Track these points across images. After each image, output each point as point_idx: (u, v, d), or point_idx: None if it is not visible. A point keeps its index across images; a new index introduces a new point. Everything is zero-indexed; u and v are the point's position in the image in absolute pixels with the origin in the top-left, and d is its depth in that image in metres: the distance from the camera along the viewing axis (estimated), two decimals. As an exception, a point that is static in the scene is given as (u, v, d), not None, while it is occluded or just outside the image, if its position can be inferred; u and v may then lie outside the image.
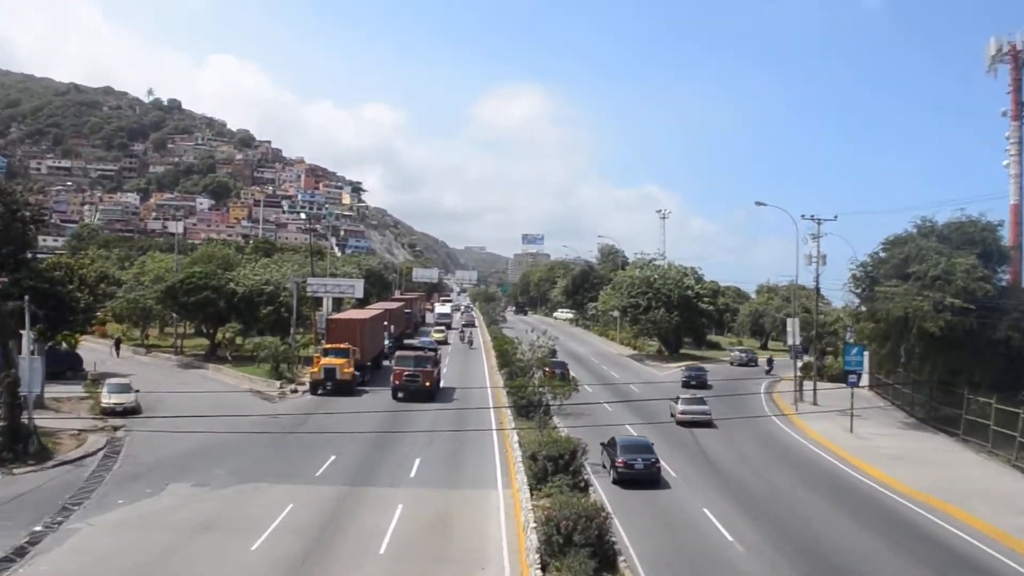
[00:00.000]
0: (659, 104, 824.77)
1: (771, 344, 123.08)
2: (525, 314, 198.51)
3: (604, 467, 41.56)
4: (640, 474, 39.91)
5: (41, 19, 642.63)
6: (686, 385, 72.47)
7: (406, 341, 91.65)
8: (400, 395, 61.96)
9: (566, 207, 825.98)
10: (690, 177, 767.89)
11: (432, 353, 66.76)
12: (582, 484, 36.31)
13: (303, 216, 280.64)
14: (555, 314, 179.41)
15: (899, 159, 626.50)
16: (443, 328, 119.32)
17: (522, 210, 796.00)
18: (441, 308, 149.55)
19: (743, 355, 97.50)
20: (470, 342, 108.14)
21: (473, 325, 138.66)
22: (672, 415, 57.29)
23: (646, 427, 52.45)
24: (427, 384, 62.24)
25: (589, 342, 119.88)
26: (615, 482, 39.75)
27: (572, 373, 70.00)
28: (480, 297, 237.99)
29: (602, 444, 41.84)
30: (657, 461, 40.16)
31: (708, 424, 56.02)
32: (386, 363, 79.21)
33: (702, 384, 73.73)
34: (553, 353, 65.75)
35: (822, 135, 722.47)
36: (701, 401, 57.38)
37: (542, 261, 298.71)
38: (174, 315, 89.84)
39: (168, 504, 35.92)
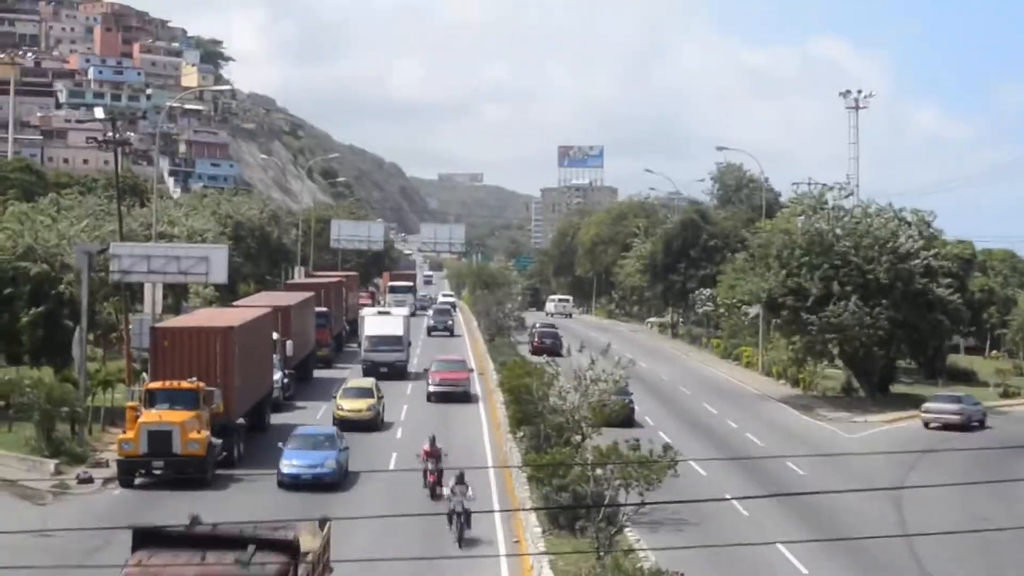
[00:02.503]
0: None
1: None
2: (542, 308, 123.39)
3: None
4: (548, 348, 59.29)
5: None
6: None
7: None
8: None
9: (649, 94, 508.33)
10: (912, 20, 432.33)
11: None
12: None
13: (99, 115, 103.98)
14: (548, 307, 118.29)
15: None
16: (368, 387, 46.86)
17: (559, 100, 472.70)
18: (376, 319, 62.82)
19: None
20: (457, 508, 27.54)
21: (464, 388, 53.19)
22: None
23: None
24: None
25: (694, 368, 76.09)
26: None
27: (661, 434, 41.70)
28: (471, 279, 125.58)
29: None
30: (559, 339, 46.25)
31: (964, 428, 49.40)
32: (277, 418, 45.67)
33: None
34: (623, 391, 38.30)
35: None
36: (958, 399, 51.05)
37: (600, 202, 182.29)
38: None
39: None
